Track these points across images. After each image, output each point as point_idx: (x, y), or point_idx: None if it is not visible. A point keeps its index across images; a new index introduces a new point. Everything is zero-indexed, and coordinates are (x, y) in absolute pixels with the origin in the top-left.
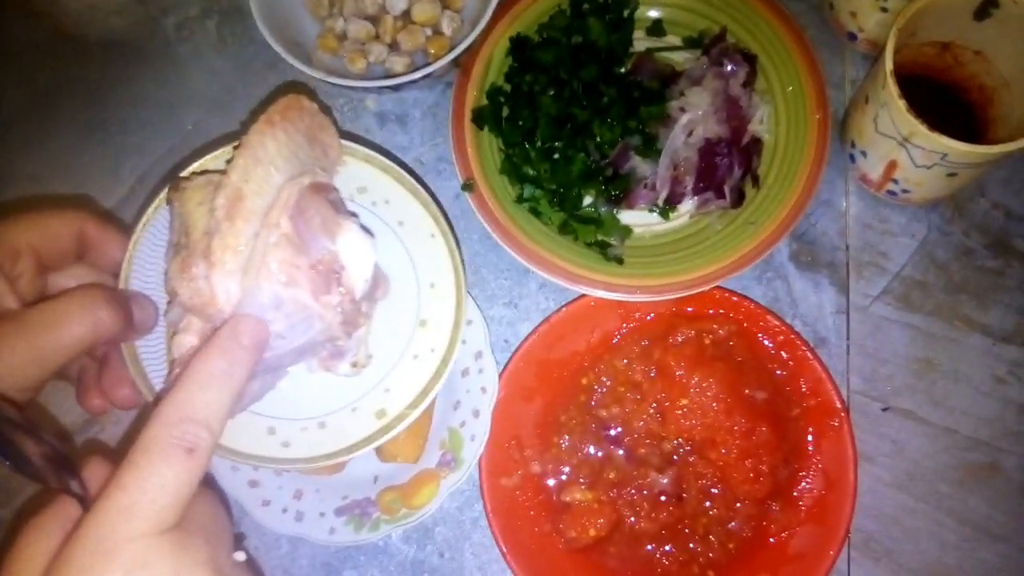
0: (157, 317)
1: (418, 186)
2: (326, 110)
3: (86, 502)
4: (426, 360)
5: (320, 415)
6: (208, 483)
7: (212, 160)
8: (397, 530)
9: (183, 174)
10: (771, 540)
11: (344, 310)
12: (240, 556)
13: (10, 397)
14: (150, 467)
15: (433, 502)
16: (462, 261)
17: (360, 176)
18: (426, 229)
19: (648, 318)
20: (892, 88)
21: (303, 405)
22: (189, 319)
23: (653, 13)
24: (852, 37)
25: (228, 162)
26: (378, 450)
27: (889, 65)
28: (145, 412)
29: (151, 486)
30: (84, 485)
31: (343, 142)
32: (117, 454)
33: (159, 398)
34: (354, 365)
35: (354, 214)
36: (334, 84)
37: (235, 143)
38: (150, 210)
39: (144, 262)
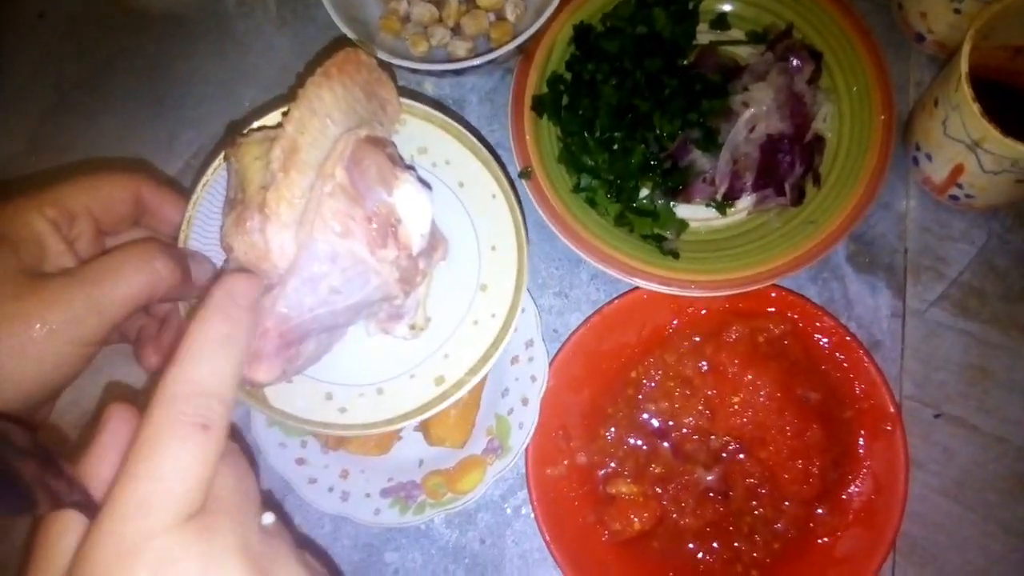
0: (215, 275)
1: (479, 144)
2: (384, 67)
3: (91, 509)
4: (486, 326)
5: (378, 381)
6: (231, 435)
7: (271, 118)
8: (440, 514)
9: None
10: (817, 542)
11: (401, 266)
12: (268, 518)
13: (21, 416)
14: (164, 451)
15: (478, 488)
16: (524, 222)
17: (420, 135)
18: (487, 189)
19: (701, 313)
20: (966, 91)
21: (361, 371)
22: (247, 273)
23: (719, 6)
24: (920, 38)
25: (284, 115)
26: (425, 434)
27: (965, 67)
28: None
29: (167, 472)
30: (88, 496)
31: (403, 100)
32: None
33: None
34: (412, 327)
35: (412, 168)
36: (396, 66)
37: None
38: (210, 171)
39: (203, 223)
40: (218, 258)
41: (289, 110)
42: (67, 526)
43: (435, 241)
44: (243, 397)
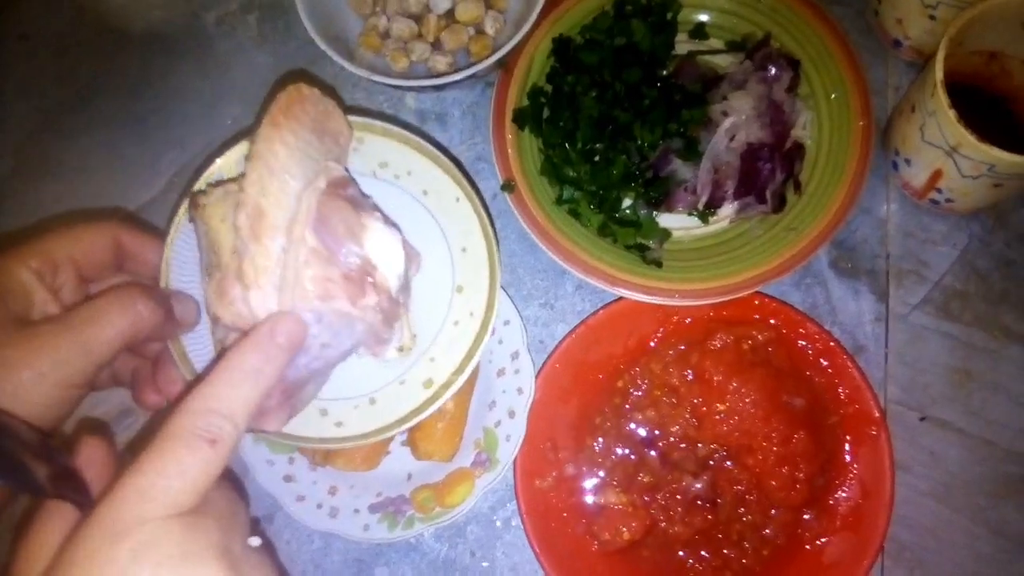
0: (199, 312)
1: (438, 153)
2: (328, 90)
3: (87, 507)
4: (466, 325)
5: (370, 392)
6: (226, 477)
7: (225, 162)
8: (430, 529)
9: (198, 186)
10: (806, 548)
11: (383, 308)
12: (255, 541)
13: (33, 422)
14: (172, 453)
15: (467, 501)
16: (491, 222)
17: (380, 150)
18: (451, 194)
19: (686, 322)
20: (942, 97)
21: (353, 384)
22: (234, 334)
23: (696, 16)
24: (897, 44)
25: (243, 173)
26: (413, 448)
27: (939, 74)
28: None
29: (170, 471)
30: (88, 493)
31: (359, 119)
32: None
33: (189, 387)
34: (400, 350)
35: (375, 206)
36: (377, 82)
37: (246, 139)
38: (180, 212)
39: (181, 263)
40: (199, 294)
41: (247, 170)
42: (61, 516)
43: (409, 259)
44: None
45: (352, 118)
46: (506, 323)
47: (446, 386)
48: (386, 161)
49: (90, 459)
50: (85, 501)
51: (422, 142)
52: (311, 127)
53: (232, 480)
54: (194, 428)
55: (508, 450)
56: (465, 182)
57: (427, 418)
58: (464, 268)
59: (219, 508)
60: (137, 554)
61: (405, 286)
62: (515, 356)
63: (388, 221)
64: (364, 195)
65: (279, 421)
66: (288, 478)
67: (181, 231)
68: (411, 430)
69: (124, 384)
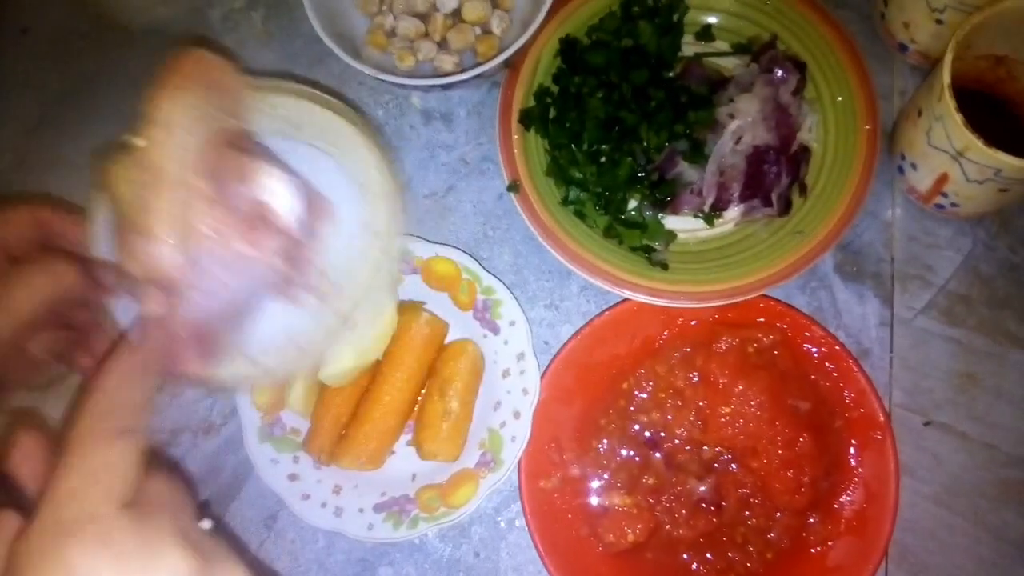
0: (120, 277)
1: (337, 102)
2: (226, 52)
3: (25, 502)
4: (384, 264)
5: (294, 335)
6: (161, 465)
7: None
8: (434, 529)
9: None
10: (810, 551)
11: (283, 249)
12: (206, 524)
13: None
14: (91, 451)
15: (472, 501)
16: (391, 160)
17: (290, 111)
18: (349, 137)
19: (691, 324)
20: (949, 102)
21: (278, 333)
22: (148, 290)
23: (703, 18)
24: (903, 48)
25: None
26: (418, 448)
27: (947, 78)
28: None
29: (96, 467)
30: (24, 494)
31: (265, 81)
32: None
33: (84, 389)
34: (319, 297)
35: (274, 156)
36: (383, 81)
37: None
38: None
39: (107, 236)
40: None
41: (142, 129)
42: (4, 523)
43: (315, 209)
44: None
45: (258, 80)
46: (512, 324)
47: (354, 309)
48: (292, 118)
49: (25, 456)
50: (24, 503)
51: (321, 95)
52: (205, 85)
53: (169, 467)
54: (102, 423)
55: (513, 451)
56: (368, 126)
57: (432, 418)
58: (375, 211)
59: (161, 495)
60: (90, 550)
61: (311, 232)
62: (520, 357)
63: (285, 168)
64: (263, 147)
65: (198, 364)
66: (293, 477)
67: (103, 206)
68: (416, 430)
69: (60, 358)
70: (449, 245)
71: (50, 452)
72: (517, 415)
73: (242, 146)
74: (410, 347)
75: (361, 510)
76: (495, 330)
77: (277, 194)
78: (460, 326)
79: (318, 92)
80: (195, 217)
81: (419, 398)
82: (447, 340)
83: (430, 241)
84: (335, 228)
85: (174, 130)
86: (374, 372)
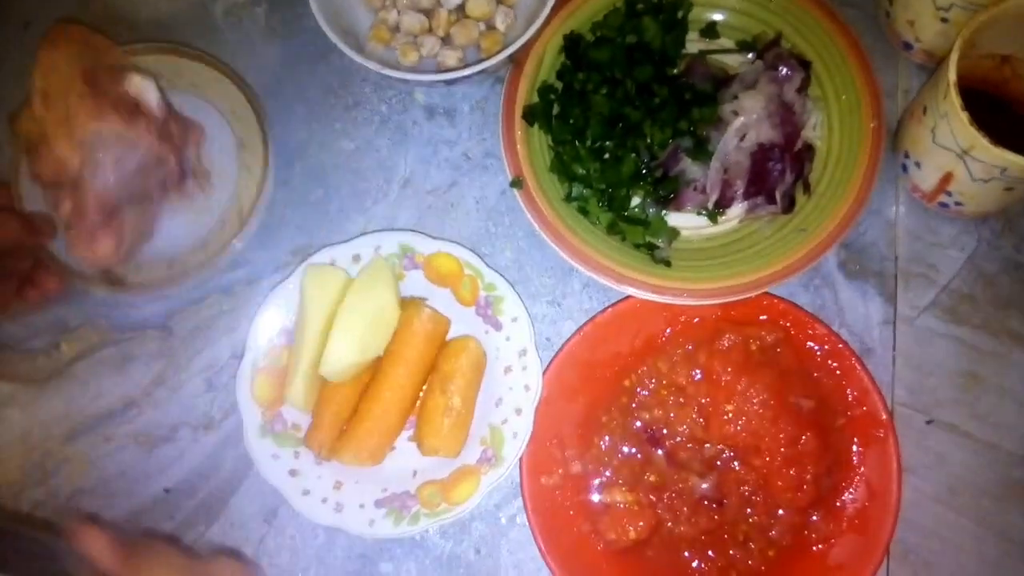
0: (55, 223)
1: (198, 51)
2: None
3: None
4: (253, 166)
5: (200, 236)
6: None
7: None
8: (435, 524)
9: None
10: (812, 549)
11: (156, 129)
12: None
13: None
14: None
15: (473, 498)
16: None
17: (157, 63)
18: (216, 80)
19: (694, 322)
20: (955, 100)
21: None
22: (61, 193)
23: (708, 15)
24: (908, 47)
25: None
26: (419, 444)
27: (952, 76)
28: None
29: None
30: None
31: (147, 45)
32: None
33: None
34: (197, 183)
35: (138, 70)
36: (386, 76)
37: None
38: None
39: (31, 186)
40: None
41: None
42: None
43: (187, 125)
44: None
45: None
46: (514, 320)
47: (251, 206)
48: (168, 72)
49: (92, 541)
50: None
51: (197, 52)
52: (80, 42)
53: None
54: None
55: (514, 447)
56: (231, 74)
57: (433, 415)
58: (241, 129)
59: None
60: None
61: (182, 128)
62: (523, 353)
63: (146, 75)
64: (130, 64)
65: (107, 240)
66: (293, 472)
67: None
68: (417, 426)
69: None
70: (452, 241)
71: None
72: (519, 411)
73: (114, 67)
74: (411, 343)
75: (362, 506)
76: (497, 326)
77: (144, 88)
78: (462, 322)
79: (188, 48)
80: (81, 114)
81: (420, 394)
82: (449, 337)
83: (433, 237)
84: (209, 144)
85: (57, 69)
86: (375, 368)
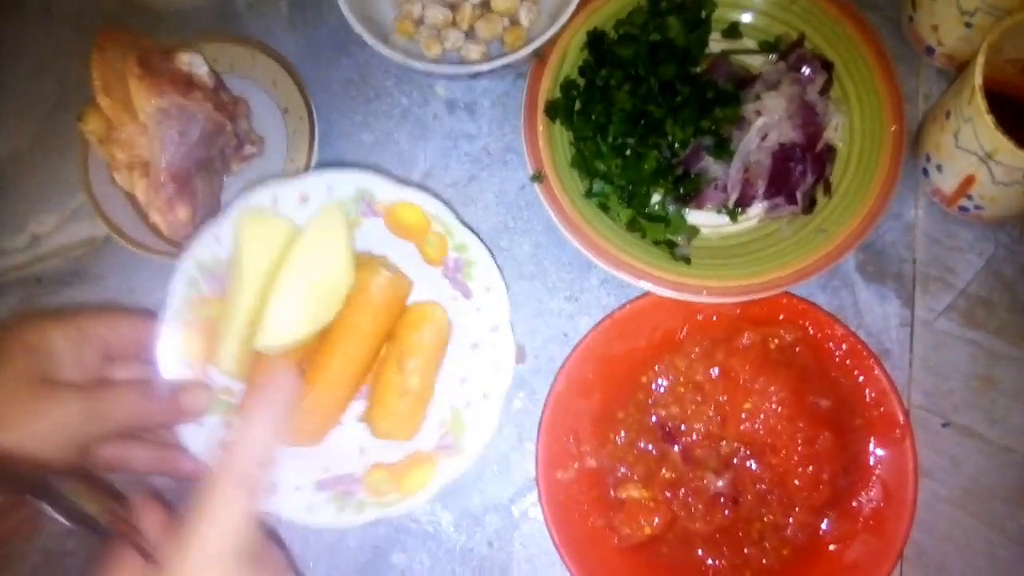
0: (207, 400)
1: (255, 40)
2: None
3: (146, 551)
4: (297, 125)
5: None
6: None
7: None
8: (381, 515)
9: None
10: (826, 549)
11: (211, 99)
12: None
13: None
14: (217, 505)
15: (426, 489)
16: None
17: (212, 51)
18: (268, 67)
19: (712, 319)
20: (980, 103)
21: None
22: (136, 172)
23: (732, 16)
24: (930, 51)
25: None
26: (370, 426)
27: (978, 79)
28: None
29: (221, 518)
30: (144, 537)
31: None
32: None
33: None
34: (252, 144)
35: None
36: (409, 68)
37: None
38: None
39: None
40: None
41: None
42: (130, 564)
43: (235, 99)
44: None
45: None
46: (487, 290)
47: (306, 164)
48: (223, 60)
49: (147, 514)
50: (144, 545)
51: (254, 40)
52: (125, 41)
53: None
54: (230, 480)
55: (477, 440)
56: (287, 64)
57: (388, 395)
58: (284, 97)
59: (269, 552)
60: None
61: (232, 98)
62: (495, 329)
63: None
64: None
65: (185, 208)
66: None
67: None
68: (370, 405)
69: (134, 470)
70: (421, 189)
71: (165, 514)
72: (486, 396)
73: (161, 51)
74: (366, 311)
75: (299, 488)
76: (467, 293)
77: (195, 63)
78: (426, 283)
79: (243, 37)
80: (141, 94)
81: (374, 364)
82: (410, 300)
83: (398, 181)
84: (256, 115)
85: (109, 62)
86: (323, 333)
